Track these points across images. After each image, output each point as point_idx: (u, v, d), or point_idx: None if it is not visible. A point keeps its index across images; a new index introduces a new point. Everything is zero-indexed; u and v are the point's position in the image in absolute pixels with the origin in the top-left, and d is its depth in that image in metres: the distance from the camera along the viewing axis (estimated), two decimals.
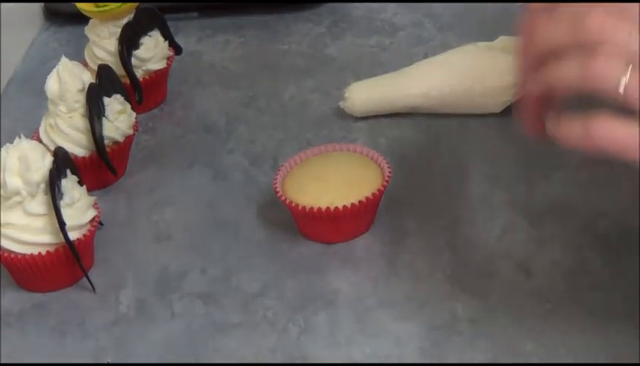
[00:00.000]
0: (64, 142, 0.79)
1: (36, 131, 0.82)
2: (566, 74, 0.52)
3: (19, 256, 0.70)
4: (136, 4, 0.89)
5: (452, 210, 0.76)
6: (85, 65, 0.87)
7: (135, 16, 0.89)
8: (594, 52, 0.50)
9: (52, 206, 0.69)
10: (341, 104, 0.87)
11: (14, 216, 0.70)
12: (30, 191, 0.70)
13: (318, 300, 0.69)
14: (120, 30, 0.88)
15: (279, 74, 0.96)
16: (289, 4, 1.06)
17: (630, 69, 0.50)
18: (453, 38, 0.97)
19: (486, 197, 0.77)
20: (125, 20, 0.89)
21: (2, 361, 0.67)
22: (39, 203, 0.70)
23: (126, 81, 0.87)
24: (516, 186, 0.77)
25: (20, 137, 0.71)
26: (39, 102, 0.85)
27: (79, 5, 0.89)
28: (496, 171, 0.79)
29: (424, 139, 0.84)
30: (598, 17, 0.50)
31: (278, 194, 0.74)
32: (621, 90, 0.50)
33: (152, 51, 0.89)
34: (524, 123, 0.58)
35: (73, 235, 0.71)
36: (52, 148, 0.75)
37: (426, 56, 0.92)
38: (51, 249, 0.71)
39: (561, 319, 0.65)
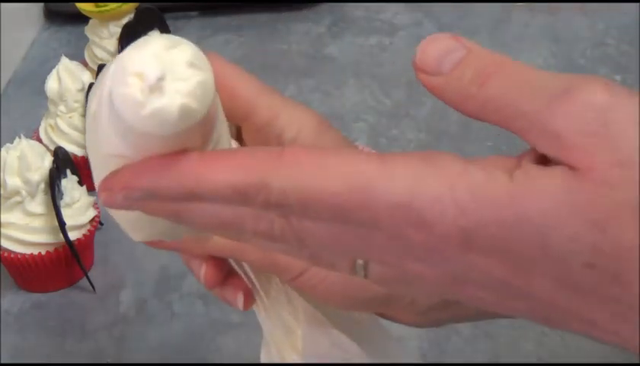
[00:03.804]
0: (64, 142, 0.79)
1: (36, 131, 0.82)
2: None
3: (19, 256, 0.70)
4: (136, 4, 0.89)
5: None
6: (85, 65, 0.87)
7: (135, 16, 0.89)
8: None
9: (52, 206, 0.69)
10: None
11: (14, 216, 0.70)
12: (29, 190, 0.70)
13: None
14: (120, 30, 0.88)
15: (279, 74, 0.96)
16: (289, 3, 1.06)
17: None
18: None
19: None
20: (125, 20, 0.89)
21: (2, 361, 0.67)
22: (39, 203, 0.70)
23: None
24: None
25: (20, 137, 0.71)
26: (39, 102, 0.85)
27: (79, 5, 0.89)
28: None
29: (424, 139, 0.84)
30: None
31: None
32: None
33: None
34: None
35: (73, 236, 0.70)
36: (52, 148, 0.75)
37: None
38: (51, 249, 0.71)
39: None
